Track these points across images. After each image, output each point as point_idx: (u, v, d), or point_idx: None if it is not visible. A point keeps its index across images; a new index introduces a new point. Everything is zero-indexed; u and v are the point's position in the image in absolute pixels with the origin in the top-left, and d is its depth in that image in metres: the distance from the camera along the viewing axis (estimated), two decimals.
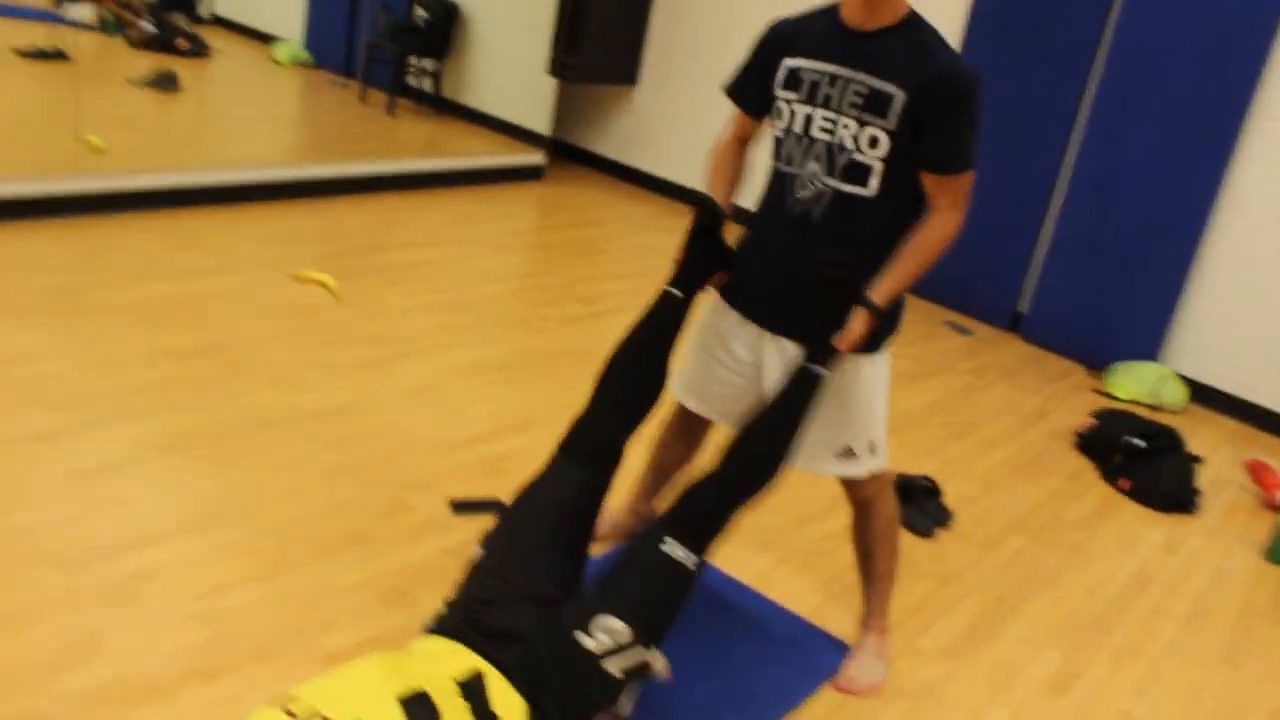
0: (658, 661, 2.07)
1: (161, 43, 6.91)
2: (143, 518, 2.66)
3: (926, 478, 3.55)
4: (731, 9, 6.27)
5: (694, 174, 6.57)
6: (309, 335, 3.83)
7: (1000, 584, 3.16)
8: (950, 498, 3.56)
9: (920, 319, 5.38)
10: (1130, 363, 4.95)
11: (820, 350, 2.22)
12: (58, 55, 5.87)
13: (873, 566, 2.62)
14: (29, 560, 2.43)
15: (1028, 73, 5.19)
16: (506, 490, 3.05)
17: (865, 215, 2.25)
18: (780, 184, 2.34)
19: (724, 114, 2.52)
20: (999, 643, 2.87)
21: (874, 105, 2.17)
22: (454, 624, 1.98)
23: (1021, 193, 5.31)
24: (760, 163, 2.45)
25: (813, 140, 2.25)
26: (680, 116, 6.65)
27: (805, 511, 3.30)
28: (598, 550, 2.82)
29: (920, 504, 3.42)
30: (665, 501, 2.23)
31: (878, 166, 2.20)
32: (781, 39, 2.33)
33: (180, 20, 7.30)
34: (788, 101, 2.29)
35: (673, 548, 2.07)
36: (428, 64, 7.16)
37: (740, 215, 2.47)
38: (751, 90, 2.42)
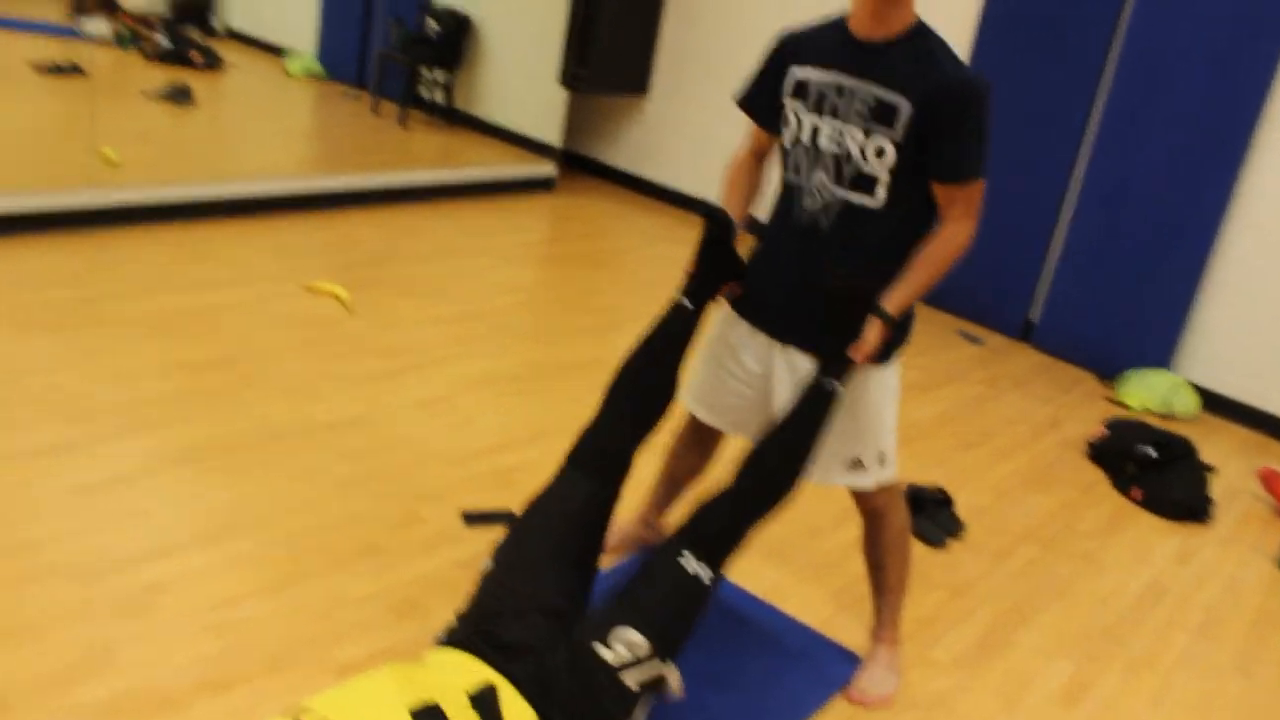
0: (672, 676, 2.08)
1: (176, 56, 6.96)
2: (156, 530, 2.68)
3: (938, 488, 3.54)
4: (742, 19, 6.28)
5: (705, 184, 6.58)
6: (321, 347, 3.85)
7: (1012, 594, 3.15)
8: (962, 508, 3.55)
9: (931, 328, 5.37)
10: (1142, 371, 4.94)
11: (833, 364, 2.22)
12: (74, 70, 5.92)
13: (884, 578, 2.62)
14: (43, 572, 2.45)
15: (1038, 81, 5.19)
16: (518, 502, 3.04)
17: (873, 225, 2.25)
18: (788, 194, 2.35)
19: (736, 124, 2.53)
20: (1011, 653, 2.86)
21: (880, 116, 2.17)
22: (465, 636, 1.99)
23: (1032, 201, 5.31)
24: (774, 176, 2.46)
25: (820, 150, 2.26)
26: (691, 127, 6.66)
27: (816, 522, 3.30)
28: (610, 562, 2.83)
29: (932, 514, 3.42)
30: (679, 514, 2.23)
31: (884, 177, 2.21)
32: (790, 49, 2.35)
33: (194, 34, 7.35)
34: (795, 111, 2.30)
35: (689, 563, 2.08)
36: (439, 76, 7.19)
37: (755, 228, 2.48)
38: (762, 101, 2.43)
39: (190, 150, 5.83)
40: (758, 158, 2.51)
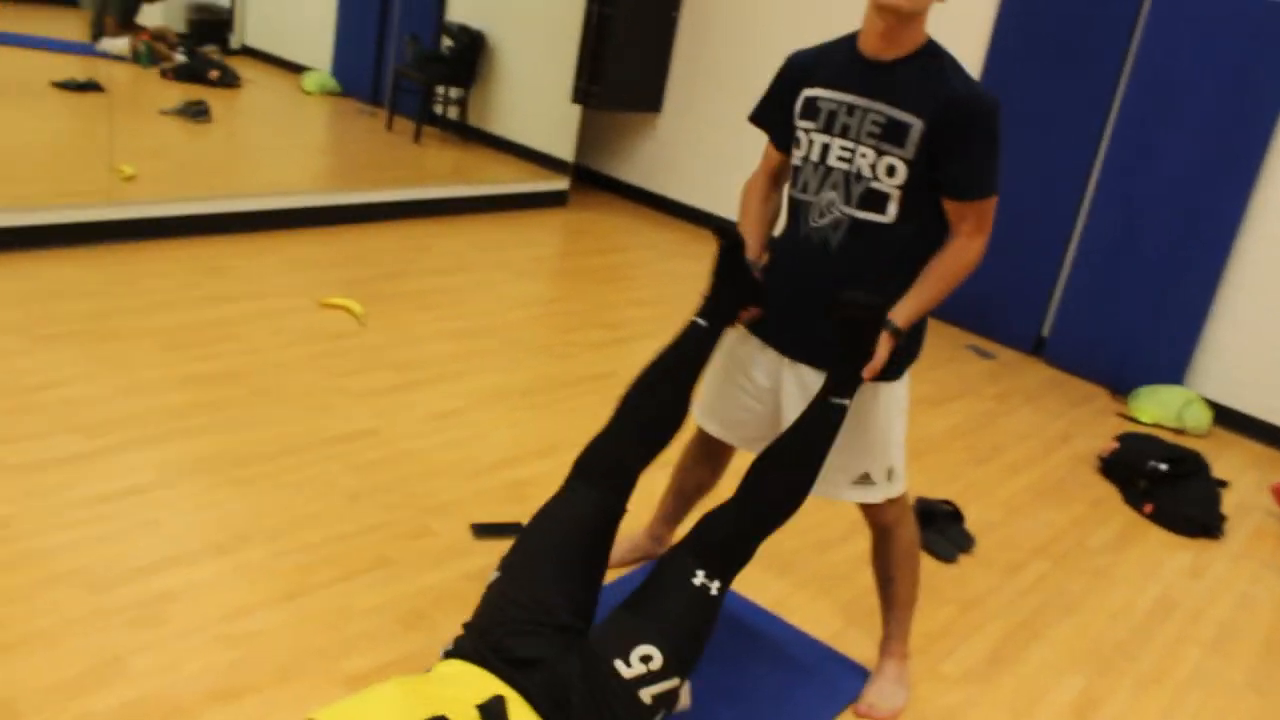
0: (684, 690, 2.08)
1: (193, 74, 7.03)
2: (168, 540, 2.70)
3: (948, 502, 3.54)
4: (755, 37, 6.31)
5: (717, 200, 6.60)
6: (334, 360, 3.87)
7: (1023, 609, 3.14)
8: (972, 523, 3.55)
9: (943, 343, 5.37)
10: (1155, 386, 4.93)
11: (841, 381, 2.22)
12: (93, 87, 5.99)
13: (893, 592, 2.62)
14: (56, 581, 2.47)
15: (1051, 96, 5.19)
16: (528, 515, 3.06)
17: (883, 241, 2.26)
18: (798, 211, 2.36)
19: (748, 141, 2.55)
20: (1022, 668, 2.86)
21: (892, 135, 2.18)
22: (473, 647, 1.99)
23: (1045, 216, 5.31)
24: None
25: (830, 169, 2.27)
26: (704, 143, 6.68)
27: (825, 536, 3.30)
28: (618, 575, 2.84)
29: (942, 529, 3.41)
30: (686, 528, 2.23)
31: (895, 194, 2.22)
32: (800, 69, 2.36)
33: (212, 51, 7.42)
34: (806, 131, 2.31)
35: (700, 577, 2.08)
36: (454, 92, 7.24)
37: (769, 245, 2.49)
38: (774, 120, 2.45)
39: (206, 166, 5.88)
40: (772, 178, 2.52)
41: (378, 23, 7.60)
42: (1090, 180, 5.19)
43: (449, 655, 2.02)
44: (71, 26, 6.79)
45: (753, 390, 2.48)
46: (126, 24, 6.90)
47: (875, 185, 2.22)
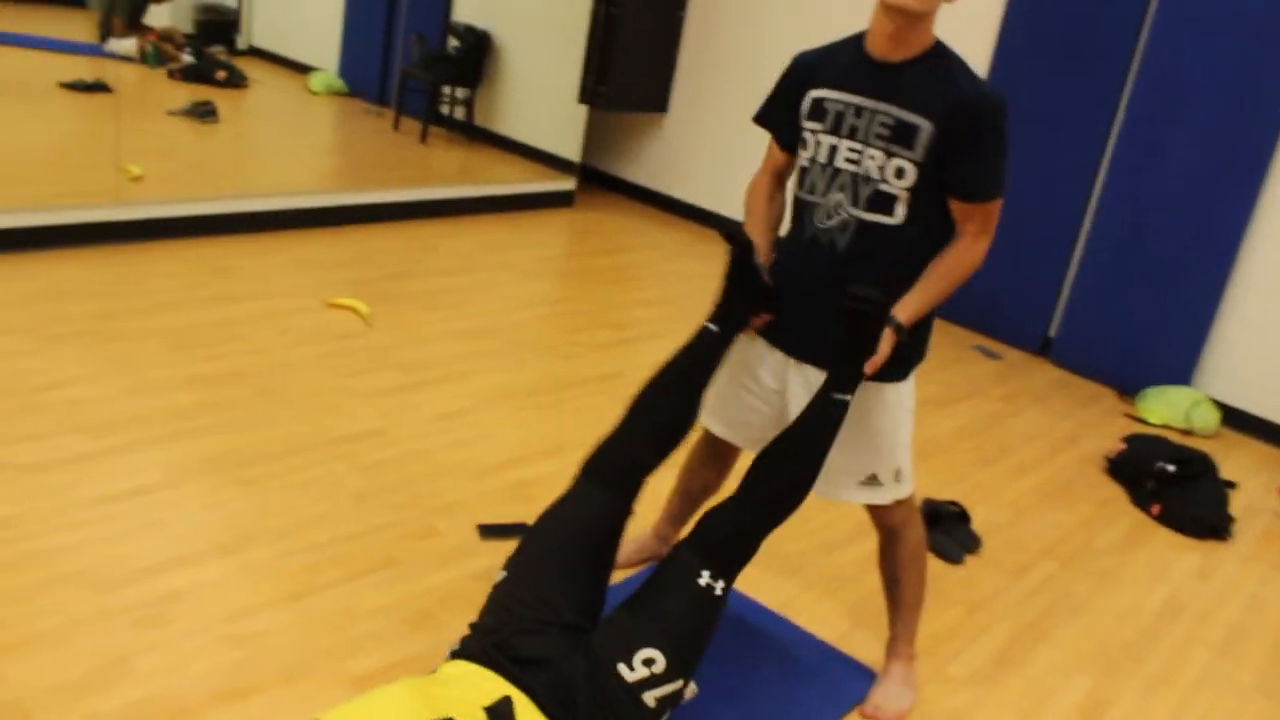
0: (688, 689, 2.08)
1: (200, 74, 7.04)
2: (174, 540, 2.70)
3: (955, 504, 3.53)
4: (761, 37, 6.31)
5: (724, 200, 6.60)
6: (340, 360, 3.87)
7: (1030, 611, 3.13)
8: (979, 524, 3.54)
9: (949, 343, 5.36)
10: (1162, 387, 4.91)
11: (843, 376, 2.22)
12: (100, 87, 6.00)
13: (900, 593, 2.61)
14: (62, 581, 2.47)
15: (1058, 96, 5.18)
16: (535, 515, 3.06)
17: (890, 243, 2.26)
18: (805, 213, 2.35)
19: (754, 141, 2.54)
20: (1029, 670, 2.85)
21: (901, 137, 2.18)
22: (479, 648, 1.99)
23: (1052, 217, 5.29)
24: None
25: (838, 170, 2.27)
26: (710, 143, 6.68)
27: (831, 537, 3.29)
28: (624, 576, 2.84)
29: (949, 530, 3.40)
30: (689, 527, 2.23)
31: (904, 196, 2.22)
32: (806, 70, 2.35)
33: (219, 52, 7.44)
34: (813, 132, 2.30)
35: (704, 576, 2.08)
36: (460, 92, 7.25)
37: (776, 247, 2.48)
38: (780, 120, 2.44)
39: (213, 166, 5.89)
40: (776, 178, 2.52)
41: (384, 23, 7.60)
42: (1097, 180, 5.17)
43: (455, 656, 2.02)
44: (79, 27, 6.81)
45: (759, 392, 2.48)
46: (134, 25, 6.92)
47: (884, 187, 2.22)
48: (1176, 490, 3.87)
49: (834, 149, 2.26)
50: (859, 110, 2.22)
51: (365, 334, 4.15)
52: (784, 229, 2.44)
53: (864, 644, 2.80)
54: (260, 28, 8.03)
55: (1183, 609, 3.29)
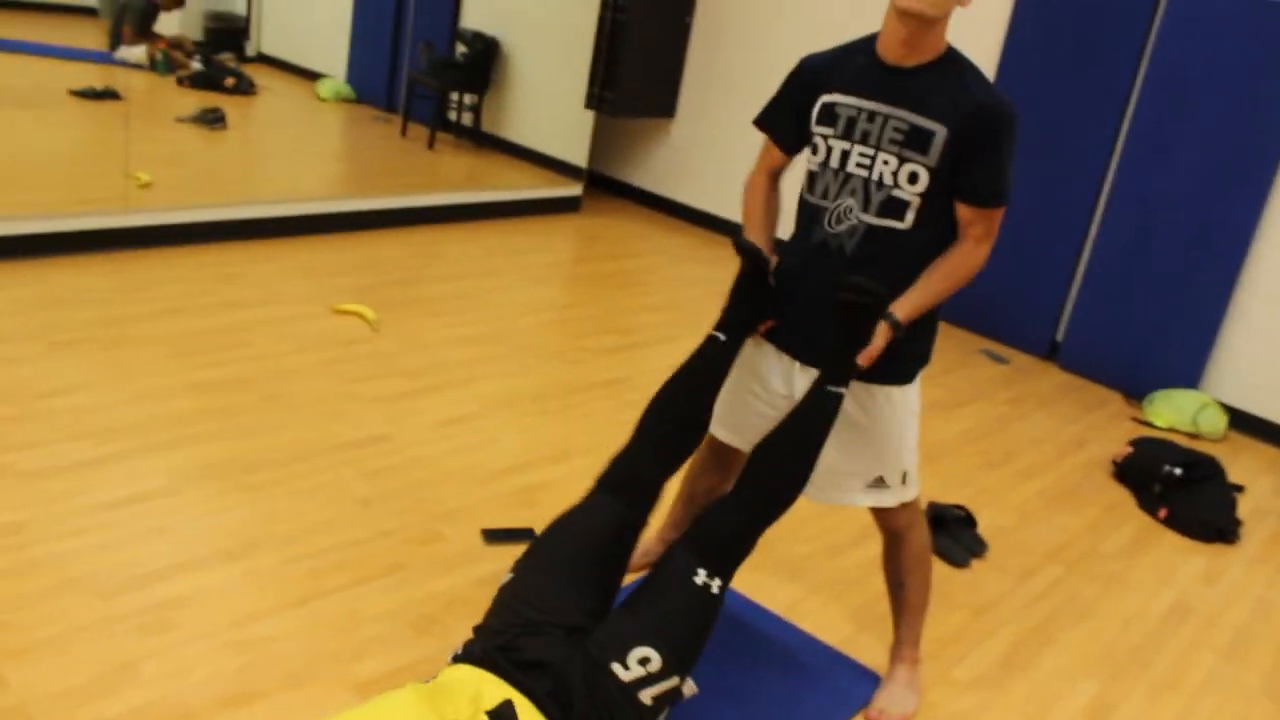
0: (686, 686, 2.08)
1: (210, 81, 7.07)
2: (178, 546, 2.71)
3: (961, 507, 3.52)
4: (768, 43, 6.31)
5: (731, 206, 6.60)
6: (346, 366, 3.88)
7: (1036, 614, 3.12)
8: (985, 527, 3.53)
9: (955, 347, 5.35)
10: (1169, 391, 4.90)
11: (837, 369, 2.23)
12: (110, 95, 6.03)
13: (905, 596, 2.61)
14: (66, 587, 2.48)
15: (1064, 100, 5.17)
16: (540, 520, 3.07)
17: (898, 247, 2.26)
18: (814, 217, 2.35)
19: (760, 147, 2.54)
20: (1034, 674, 2.84)
21: (915, 142, 2.18)
22: (483, 651, 2.00)
23: (1059, 220, 5.28)
24: (792, 195, 2.46)
25: (849, 175, 2.27)
26: (717, 149, 6.69)
27: (836, 541, 3.29)
28: (628, 580, 2.84)
29: (954, 534, 3.40)
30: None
31: (915, 201, 2.22)
32: (814, 74, 2.35)
33: (228, 59, 7.47)
34: (824, 137, 2.30)
35: (700, 575, 2.09)
36: (468, 99, 7.26)
37: (777, 247, 2.49)
38: (783, 122, 2.44)
39: (221, 173, 5.91)
40: (771, 177, 2.53)
41: (392, 30, 7.62)
42: (1105, 183, 5.16)
43: (457, 659, 2.02)
44: (89, 35, 6.84)
45: (766, 396, 2.48)
46: (144, 32, 6.95)
47: (896, 193, 2.22)
48: (1184, 493, 3.86)
49: (846, 154, 2.27)
50: (872, 115, 2.23)
51: (371, 340, 4.16)
52: (790, 232, 2.44)
53: (868, 647, 2.80)
54: (269, 35, 8.06)
55: (1189, 612, 3.28)
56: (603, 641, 1.99)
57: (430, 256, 5.35)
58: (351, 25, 7.86)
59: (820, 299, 2.32)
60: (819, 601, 2.99)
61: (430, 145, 7.06)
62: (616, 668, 1.95)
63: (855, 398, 2.35)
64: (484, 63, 7.10)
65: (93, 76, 6.24)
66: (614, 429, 3.70)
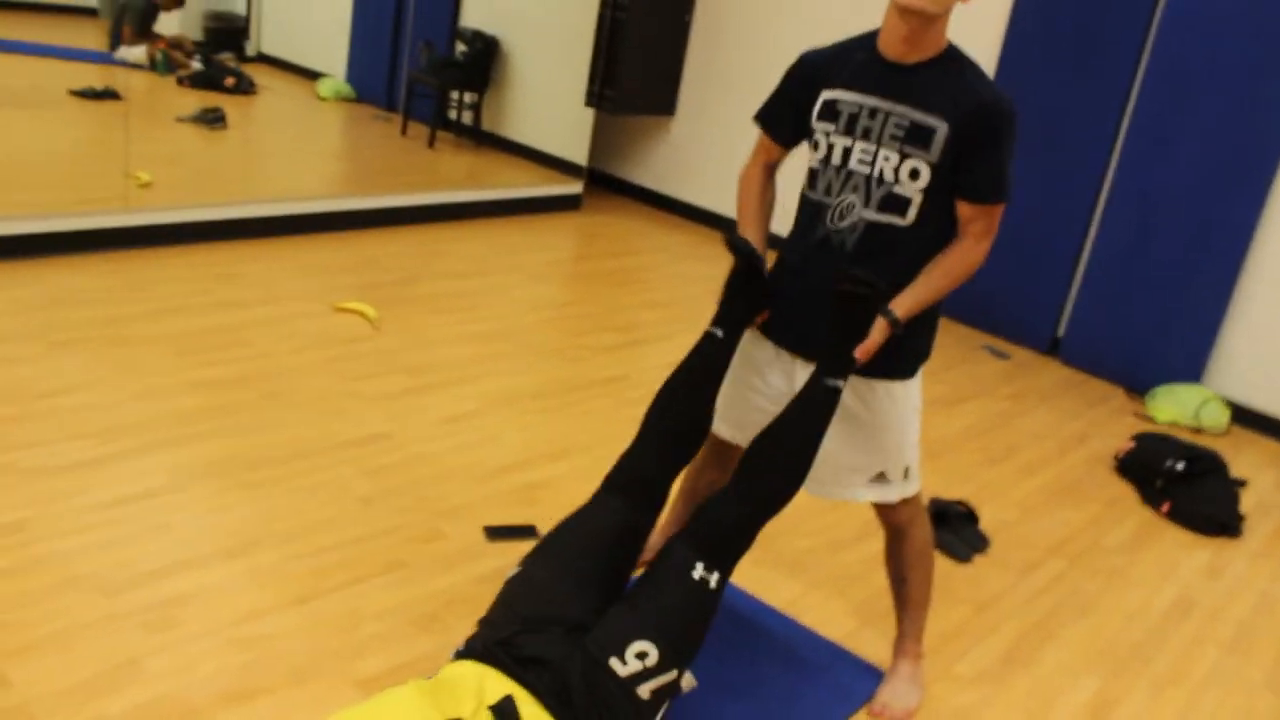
0: (685, 679, 2.08)
1: (210, 81, 7.08)
2: (181, 544, 2.71)
3: (963, 503, 3.52)
4: (767, 41, 6.31)
5: (730, 203, 6.57)
6: (347, 364, 3.88)
7: (1038, 609, 3.12)
8: (987, 523, 3.53)
9: (957, 343, 5.35)
10: (1171, 385, 4.89)
11: (835, 362, 2.23)
12: (110, 95, 6.04)
13: (907, 592, 2.61)
14: (70, 585, 2.48)
15: (1065, 96, 5.17)
16: (541, 518, 3.08)
17: (899, 243, 2.26)
18: (815, 213, 2.35)
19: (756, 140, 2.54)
20: (1036, 669, 2.84)
21: (916, 138, 2.18)
22: (484, 645, 2.00)
23: (1060, 216, 5.28)
24: (791, 190, 2.46)
25: (850, 172, 2.27)
26: (717, 147, 6.69)
27: (838, 536, 3.29)
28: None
29: (957, 529, 3.40)
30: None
31: (917, 198, 2.22)
32: (814, 70, 2.35)
33: (228, 59, 7.48)
34: (825, 134, 2.30)
35: (699, 569, 2.09)
36: (468, 97, 7.27)
37: (774, 243, 2.49)
38: (782, 117, 2.44)
39: (222, 172, 5.91)
40: (767, 171, 2.53)
41: (392, 29, 7.63)
42: (1106, 178, 5.16)
43: (459, 655, 2.03)
44: (89, 35, 6.85)
45: (767, 392, 2.48)
46: (144, 32, 6.96)
47: (897, 189, 2.22)
48: (1186, 488, 3.86)
49: (847, 150, 2.26)
50: (873, 112, 2.23)
51: (372, 338, 4.16)
52: (790, 228, 2.44)
53: (871, 643, 2.80)
54: (269, 34, 8.07)
55: (1192, 607, 3.28)
56: (601, 638, 1.99)
57: (431, 255, 5.35)
58: (351, 24, 7.87)
59: (821, 295, 2.32)
60: (821, 596, 2.98)
61: (430, 144, 7.06)
62: (614, 663, 1.95)
63: (856, 392, 2.35)
64: (484, 61, 7.10)
65: (93, 76, 6.25)
66: (614, 426, 3.70)
